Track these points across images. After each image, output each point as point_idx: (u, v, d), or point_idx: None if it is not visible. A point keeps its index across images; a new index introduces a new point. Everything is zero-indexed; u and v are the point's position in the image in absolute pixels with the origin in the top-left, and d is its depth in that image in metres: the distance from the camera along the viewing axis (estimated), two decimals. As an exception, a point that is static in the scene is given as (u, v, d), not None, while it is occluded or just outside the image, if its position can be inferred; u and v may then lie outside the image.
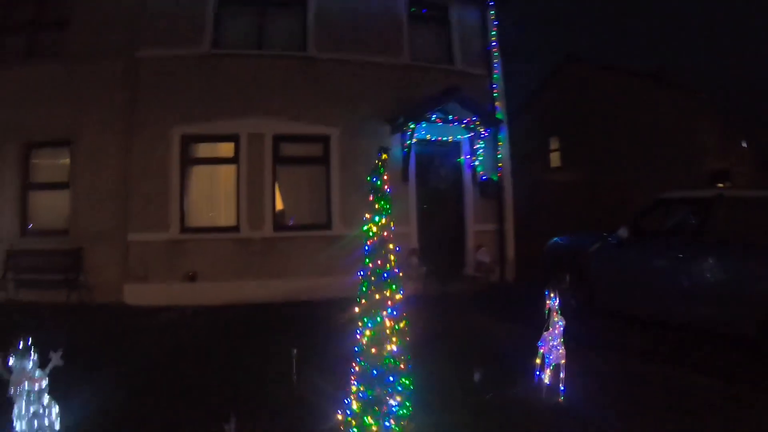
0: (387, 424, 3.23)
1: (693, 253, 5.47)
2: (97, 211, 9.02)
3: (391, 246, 3.34)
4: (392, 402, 3.24)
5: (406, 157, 9.59)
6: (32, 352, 3.16)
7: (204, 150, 9.49)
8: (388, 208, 3.33)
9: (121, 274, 8.69)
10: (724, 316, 5.07)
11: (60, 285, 8.45)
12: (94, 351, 5.49)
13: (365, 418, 3.22)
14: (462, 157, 10.31)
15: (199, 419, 3.58)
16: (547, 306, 3.91)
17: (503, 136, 10.51)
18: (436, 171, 10.16)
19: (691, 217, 6.04)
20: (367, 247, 3.33)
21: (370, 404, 3.22)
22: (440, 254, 9.84)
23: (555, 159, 18.32)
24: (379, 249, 3.31)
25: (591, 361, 4.79)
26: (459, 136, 10.16)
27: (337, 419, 3.37)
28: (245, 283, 8.62)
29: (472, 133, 10.08)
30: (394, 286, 3.33)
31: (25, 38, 9.83)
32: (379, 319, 3.30)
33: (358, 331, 3.35)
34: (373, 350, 3.28)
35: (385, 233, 3.33)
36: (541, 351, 3.94)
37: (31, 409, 3.16)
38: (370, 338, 3.30)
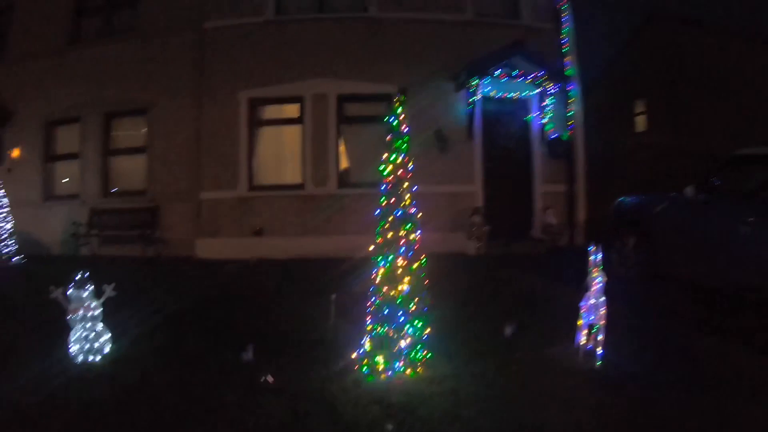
0: (396, 364, 3.18)
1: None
2: (171, 173, 9.53)
3: (406, 185, 3.33)
4: (402, 343, 3.19)
5: (470, 114, 9.33)
6: (88, 284, 3.54)
7: (270, 112, 9.75)
8: (405, 148, 3.36)
9: (194, 230, 9.15)
10: None
11: (138, 240, 8.98)
12: (156, 294, 5.82)
13: (375, 357, 3.21)
14: (530, 115, 9.88)
15: (228, 350, 3.68)
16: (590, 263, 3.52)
17: (574, 93, 9.98)
18: (502, 129, 9.80)
19: None
20: (383, 187, 3.36)
21: (381, 343, 3.21)
22: (506, 215, 9.50)
23: (641, 122, 17.09)
24: (395, 188, 3.32)
25: (643, 329, 4.27)
26: (526, 93, 9.74)
27: (351, 358, 3.37)
28: (308, 238, 8.76)
29: (540, 90, 9.64)
30: (409, 226, 3.31)
31: (102, 19, 10.66)
32: (391, 257, 3.27)
33: (374, 270, 3.33)
34: (385, 289, 3.26)
35: (401, 172, 3.34)
36: (582, 312, 3.58)
37: (85, 334, 3.52)
38: (384, 276, 3.28)
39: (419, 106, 9.26)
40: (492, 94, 9.55)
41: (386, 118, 3.32)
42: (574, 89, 9.95)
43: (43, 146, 10.59)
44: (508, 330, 4.02)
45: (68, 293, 3.52)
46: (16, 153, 10.67)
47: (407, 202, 3.34)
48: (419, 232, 3.34)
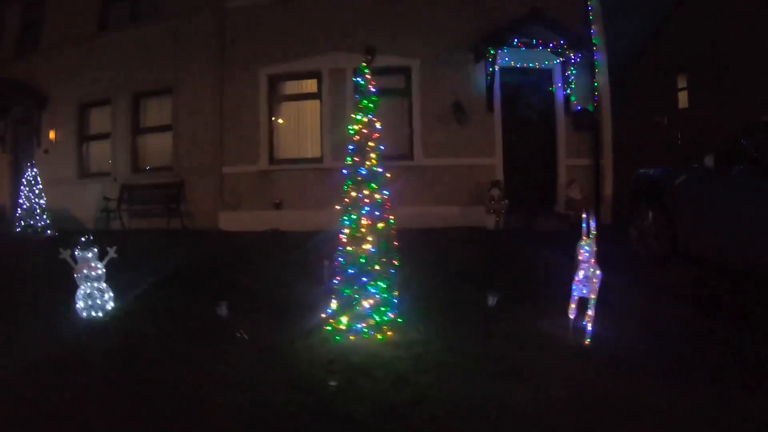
0: (358, 326, 3.17)
1: None
2: (196, 149, 9.82)
3: (371, 144, 3.35)
4: (365, 304, 3.17)
5: (489, 85, 9.14)
6: (93, 247, 3.86)
7: (289, 87, 9.91)
8: (372, 108, 3.40)
9: (217, 203, 9.46)
10: None
11: (164, 213, 9.32)
12: (169, 261, 6.10)
13: (340, 317, 3.22)
14: (554, 86, 9.61)
15: (214, 306, 3.89)
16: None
17: (600, 63, 9.61)
18: (524, 100, 9.56)
19: None
20: (350, 146, 3.39)
21: (345, 304, 3.21)
22: (527, 189, 9.33)
23: (683, 98, 16.31)
24: (360, 147, 3.34)
25: (649, 310, 3.98)
26: (548, 62, 9.45)
27: (321, 317, 3.40)
28: (327, 211, 8.77)
29: (563, 59, 9.33)
30: (373, 185, 3.30)
31: (128, 4, 10.99)
32: (354, 216, 3.25)
33: (341, 230, 3.35)
34: (349, 248, 3.26)
35: (366, 131, 3.36)
36: (573, 284, 3.37)
37: (89, 291, 3.84)
38: (348, 236, 3.29)
39: (438, 77, 9.23)
40: (512, 64, 9.33)
41: (353, 78, 3.46)
42: (599, 59, 9.61)
43: (77, 127, 11.12)
44: (491, 300, 3.92)
45: (75, 254, 3.85)
46: (52, 135, 11.22)
47: (373, 162, 3.31)
48: (386, 192, 3.34)
